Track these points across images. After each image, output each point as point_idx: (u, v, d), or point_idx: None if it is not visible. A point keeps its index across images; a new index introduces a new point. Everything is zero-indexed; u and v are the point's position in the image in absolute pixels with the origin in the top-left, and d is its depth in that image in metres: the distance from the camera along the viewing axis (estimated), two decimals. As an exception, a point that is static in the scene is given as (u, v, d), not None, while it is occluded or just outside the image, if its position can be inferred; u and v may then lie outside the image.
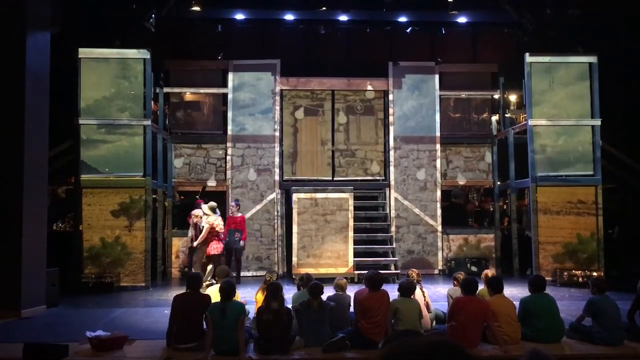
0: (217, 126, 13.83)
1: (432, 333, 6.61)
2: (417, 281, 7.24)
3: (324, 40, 13.61)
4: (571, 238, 11.76)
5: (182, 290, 7.01)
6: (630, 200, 13.30)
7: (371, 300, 6.49)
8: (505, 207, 14.60)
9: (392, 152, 13.79)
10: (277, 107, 13.70)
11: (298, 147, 13.92)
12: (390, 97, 13.91)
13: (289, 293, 8.01)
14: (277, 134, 13.66)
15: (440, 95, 14.00)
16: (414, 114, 13.94)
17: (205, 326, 6.25)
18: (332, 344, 6.22)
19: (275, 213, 13.44)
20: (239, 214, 12.08)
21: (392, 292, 6.94)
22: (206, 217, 11.10)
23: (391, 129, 13.86)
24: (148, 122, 11.67)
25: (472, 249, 13.75)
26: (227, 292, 6.26)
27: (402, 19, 12.66)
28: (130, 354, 6.26)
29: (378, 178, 13.96)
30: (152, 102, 12.58)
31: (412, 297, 6.73)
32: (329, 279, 8.41)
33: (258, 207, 13.42)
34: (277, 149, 13.63)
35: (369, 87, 14.00)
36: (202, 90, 13.85)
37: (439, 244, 13.69)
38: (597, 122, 12.04)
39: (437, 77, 13.94)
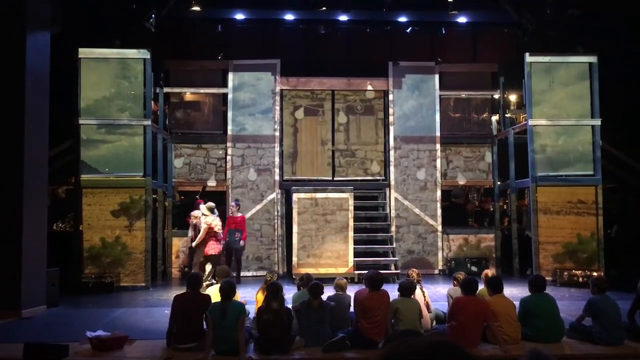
0: (217, 126, 13.83)
1: (432, 333, 6.61)
2: (417, 281, 7.24)
3: (324, 40, 13.61)
4: (571, 238, 11.76)
5: (182, 291, 7.00)
6: (631, 200, 13.30)
7: (371, 300, 6.49)
8: (505, 207, 14.60)
9: (392, 152, 13.79)
10: (277, 107, 13.70)
11: (298, 147, 13.92)
12: (390, 97, 13.91)
13: (289, 293, 8.01)
14: (277, 134, 13.66)
15: (440, 95, 14.00)
16: (414, 113, 13.94)
17: (205, 326, 6.26)
18: (332, 343, 6.22)
19: (276, 213, 13.44)
20: (239, 214, 12.08)
21: (392, 292, 6.94)
22: (204, 217, 11.12)
23: (391, 129, 13.86)
24: (148, 122, 11.67)
25: (472, 249, 13.75)
26: (227, 292, 6.27)
27: (402, 19, 12.66)
28: (130, 354, 6.26)
29: (378, 178, 13.96)
30: (152, 102, 12.58)
31: (412, 297, 6.73)
32: (329, 279, 8.42)
33: (258, 207, 13.42)
34: (277, 149, 13.63)
35: (369, 87, 14.00)
36: (202, 90, 13.85)
37: (439, 243, 13.69)
38: (597, 122, 12.04)
39: (437, 77, 13.94)
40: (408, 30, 12.94)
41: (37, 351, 5.86)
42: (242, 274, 12.04)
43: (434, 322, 7.20)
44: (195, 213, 11.56)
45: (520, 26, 12.35)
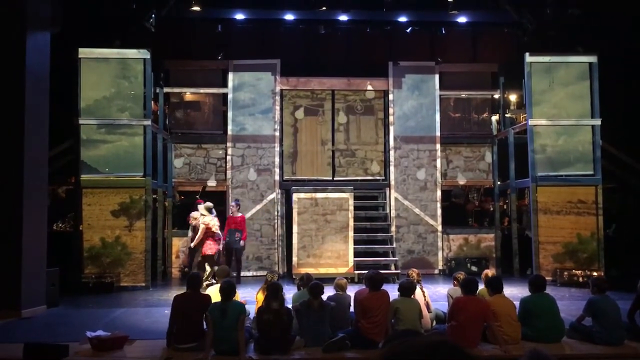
0: (217, 126, 13.83)
1: (432, 333, 6.61)
2: (417, 281, 7.24)
3: (324, 40, 13.61)
4: (571, 238, 11.76)
5: (182, 291, 7.00)
6: (631, 200, 13.29)
7: (371, 300, 6.49)
8: (505, 207, 14.60)
9: (392, 152, 13.79)
10: (277, 107, 13.70)
11: (298, 147, 13.92)
12: (390, 97, 13.91)
13: (289, 293, 8.01)
14: (277, 134, 13.66)
15: (440, 95, 14.00)
16: (414, 113, 13.94)
17: (205, 326, 6.26)
18: (332, 343, 6.22)
19: (276, 213, 13.44)
20: (239, 214, 12.08)
21: (392, 292, 6.94)
22: (202, 217, 11.14)
23: (391, 128, 13.86)
24: (148, 122, 11.67)
25: (472, 249, 13.75)
26: (227, 292, 6.27)
27: (402, 19, 12.66)
28: (130, 354, 6.26)
29: (378, 178, 13.96)
30: (152, 102, 12.58)
31: (412, 297, 6.73)
32: (329, 279, 8.42)
33: (258, 207, 13.42)
34: (277, 149, 13.63)
35: (369, 87, 14.00)
36: (202, 90, 13.85)
37: (439, 243, 13.69)
38: (597, 121, 12.04)
39: (437, 77, 13.94)
40: (408, 30, 12.95)
41: (37, 351, 5.86)
42: (242, 274, 12.04)
43: (434, 322, 7.20)
44: (194, 214, 11.58)
45: (520, 26, 12.34)
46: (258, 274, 12.73)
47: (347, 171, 13.93)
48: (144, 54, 11.66)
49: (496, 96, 14.30)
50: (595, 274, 10.69)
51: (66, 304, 9.43)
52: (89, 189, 11.30)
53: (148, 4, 11.34)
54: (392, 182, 13.75)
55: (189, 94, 13.96)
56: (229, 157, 13.57)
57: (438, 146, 13.91)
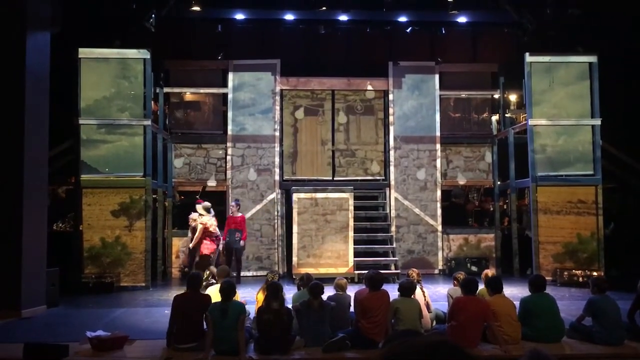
0: (217, 126, 13.83)
1: (432, 333, 6.61)
2: (417, 281, 7.24)
3: (324, 40, 13.61)
4: (571, 238, 11.76)
5: (183, 291, 7.01)
6: (631, 200, 13.29)
7: (371, 300, 6.49)
8: (505, 206, 14.59)
9: (392, 152, 13.79)
10: (277, 107, 13.70)
11: (298, 147, 13.92)
12: (390, 97, 13.91)
13: (289, 293, 8.01)
14: (277, 134, 13.66)
15: (440, 95, 13.99)
16: (414, 113, 13.94)
17: (205, 326, 6.26)
18: (332, 343, 6.22)
19: (276, 213, 13.44)
20: (239, 214, 12.08)
21: (392, 292, 6.94)
22: (200, 217, 11.14)
23: (391, 128, 13.86)
24: (148, 122, 11.67)
25: (472, 249, 13.75)
26: (227, 292, 6.27)
27: (402, 18, 12.66)
28: (130, 354, 6.26)
29: (378, 178, 13.96)
30: (152, 102, 12.57)
31: (412, 297, 6.73)
32: (329, 279, 8.42)
33: (258, 207, 13.42)
34: (277, 149, 13.63)
35: (369, 87, 14.00)
36: (202, 90, 13.85)
37: (439, 243, 13.69)
38: (597, 121, 12.04)
39: (437, 77, 13.94)
40: (408, 30, 12.94)
41: (37, 351, 5.86)
42: (242, 274, 12.04)
43: (434, 322, 7.20)
44: (193, 216, 11.57)
45: (520, 26, 12.34)
46: (258, 274, 12.73)
47: (347, 171, 13.93)
48: (144, 54, 11.66)
49: (496, 96, 14.30)
50: (595, 274, 10.70)
51: (66, 304, 9.43)
52: (89, 189, 11.29)
53: (148, 4, 11.34)
54: (392, 182, 13.74)
55: (189, 94, 13.96)
56: (229, 157, 13.57)
57: (438, 146, 13.91)
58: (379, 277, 6.82)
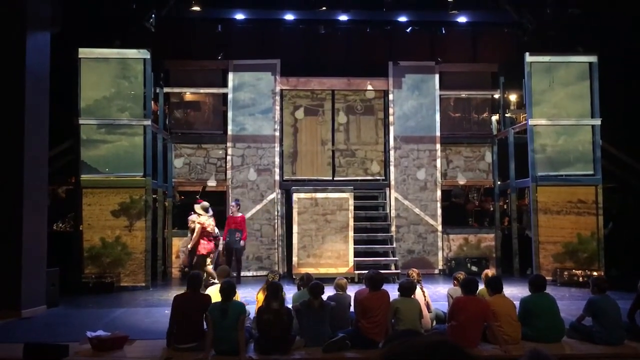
0: (217, 126, 13.83)
1: (432, 333, 6.61)
2: (417, 281, 7.24)
3: (324, 40, 13.61)
4: (571, 238, 11.76)
5: (183, 291, 7.01)
6: (631, 199, 13.29)
7: (371, 300, 6.49)
8: (505, 206, 14.60)
9: (392, 152, 13.79)
10: (277, 107, 13.70)
11: (298, 147, 13.92)
12: (390, 97, 13.91)
13: (289, 293, 8.01)
14: (277, 134, 13.66)
15: (440, 95, 13.99)
16: (414, 113, 13.94)
17: (205, 326, 6.26)
18: (332, 343, 6.22)
19: (276, 213, 13.44)
20: (239, 214, 12.07)
21: (393, 291, 6.94)
22: (198, 217, 11.13)
23: (391, 128, 13.86)
24: (148, 122, 11.67)
25: (472, 249, 13.75)
26: (228, 292, 6.27)
27: (402, 18, 12.66)
28: (130, 354, 6.26)
29: (378, 178, 13.96)
30: (152, 102, 12.58)
31: (412, 296, 6.73)
32: (329, 279, 8.41)
33: (258, 207, 13.42)
34: (277, 149, 13.63)
35: (369, 87, 14.00)
36: (202, 90, 13.85)
37: (439, 243, 13.69)
38: (597, 121, 12.04)
39: (437, 76, 13.94)
40: (408, 30, 12.95)
41: (37, 351, 5.86)
42: (242, 274, 12.03)
43: (434, 322, 7.20)
44: (193, 217, 11.53)
45: (520, 26, 12.35)
46: (258, 274, 12.73)
47: (347, 171, 13.93)
48: (144, 54, 11.66)
49: (496, 96, 14.30)
50: (595, 273, 10.69)
51: (66, 304, 9.43)
52: (89, 189, 11.30)
53: (148, 4, 11.34)
54: (392, 182, 13.74)
55: (189, 94, 13.96)
56: (229, 157, 13.57)
57: (438, 146, 13.91)
58: (379, 277, 6.82)
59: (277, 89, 13.70)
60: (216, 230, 11.36)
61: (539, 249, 11.77)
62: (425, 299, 7.17)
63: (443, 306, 7.58)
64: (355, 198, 12.40)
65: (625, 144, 12.76)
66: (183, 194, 14.16)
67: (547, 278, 8.05)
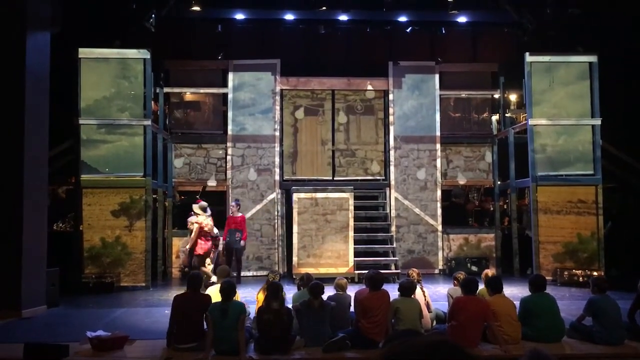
0: (217, 126, 13.83)
1: (432, 333, 6.61)
2: (417, 281, 7.24)
3: (324, 40, 13.61)
4: (571, 237, 11.76)
5: (183, 290, 7.01)
6: (631, 199, 13.29)
7: (372, 300, 6.49)
8: (505, 206, 14.59)
9: (392, 152, 13.79)
10: (277, 107, 13.70)
11: (298, 147, 13.92)
12: (391, 96, 13.90)
13: (289, 293, 8.01)
14: (277, 133, 13.66)
15: (440, 95, 13.99)
16: (414, 113, 13.94)
17: (205, 326, 6.26)
18: (332, 343, 6.22)
19: (276, 213, 13.44)
20: (239, 214, 12.07)
21: (393, 291, 6.94)
22: (196, 216, 11.14)
23: (391, 128, 13.86)
24: (148, 122, 11.67)
25: (472, 249, 13.75)
26: (228, 292, 6.27)
27: (402, 18, 12.66)
28: (130, 354, 6.26)
29: (378, 178, 13.96)
30: (152, 102, 12.57)
31: (412, 296, 6.73)
32: (329, 279, 8.42)
33: (258, 207, 13.42)
34: (277, 148, 13.63)
35: (369, 87, 14.00)
36: (202, 90, 13.85)
37: (440, 243, 13.69)
38: (597, 121, 12.04)
39: (437, 76, 13.94)
40: (408, 30, 12.95)
41: (37, 351, 5.86)
42: (242, 274, 12.03)
43: (434, 322, 7.20)
44: (192, 219, 11.55)
45: (520, 26, 12.35)
46: (258, 274, 12.73)
47: (347, 171, 13.93)
48: (144, 54, 11.66)
49: (496, 96, 14.30)
50: (595, 273, 10.70)
51: (66, 304, 9.43)
52: (89, 189, 11.29)
53: (148, 4, 11.34)
54: (392, 182, 13.74)
55: (189, 94, 13.96)
56: (229, 157, 13.57)
57: (438, 146, 13.91)
58: (379, 277, 6.82)
59: (277, 89, 13.70)
60: (215, 230, 11.37)
61: (539, 249, 11.77)
62: (425, 299, 7.17)
63: (443, 306, 7.57)
64: (356, 198, 12.40)
65: (625, 144, 12.76)
66: (183, 194, 14.16)
67: (547, 278, 8.05)
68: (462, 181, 14.15)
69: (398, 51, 13.94)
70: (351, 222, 12.06)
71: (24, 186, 8.50)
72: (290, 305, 6.69)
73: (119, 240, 11.21)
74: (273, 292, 6.39)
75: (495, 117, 14.39)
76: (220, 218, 12.41)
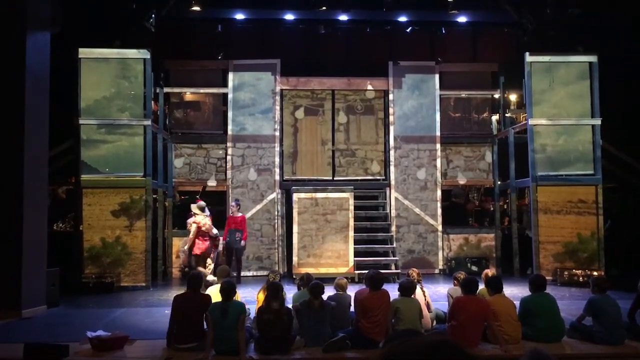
0: (217, 126, 13.83)
1: (432, 332, 6.61)
2: (417, 281, 7.24)
3: (324, 40, 13.61)
4: (572, 237, 11.76)
5: (183, 290, 7.01)
6: (631, 199, 13.29)
7: (372, 300, 6.49)
8: (505, 206, 14.59)
9: (392, 152, 13.79)
10: (277, 107, 13.70)
11: (298, 147, 13.92)
12: (391, 96, 13.90)
13: (290, 293, 8.01)
14: (277, 133, 13.66)
15: (440, 95, 13.99)
16: (414, 113, 13.94)
17: (205, 326, 6.26)
18: (332, 343, 6.22)
19: (276, 213, 13.44)
20: (239, 214, 12.07)
21: (393, 291, 6.94)
22: (194, 216, 11.14)
23: (391, 128, 13.86)
24: (148, 122, 11.67)
25: (472, 249, 13.75)
26: (228, 292, 6.27)
27: (402, 18, 12.66)
28: (130, 354, 6.26)
29: (378, 178, 13.96)
30: (152, 102, 12.57)
31: (412, 296, 6.73)
32: (329, 279, 8.42)
33: (258, 207, 13.42)
34: (277, 148, 13.63)
35: (369, 87, 14.00)
36: (202, 90, 13.85)
37: (440, 243, 13.69)
38: (597, 121, 12.04)
39: (437, 76, 13.94)
40: (408, 30, 12.95)
41: (37, 351, 5.86)
42: (242, 274, 12.04)
43: (435, 322, 7.20)
44: (191, 220, 11.54)
45: (520, 26, 12.34)
46: (258, 274, 12.73)
47: (347, 171, 13.93)
48: (144, 54, 11.66)
49: (496, 96, 14.30)
50: (595, 273, 10.70)
51: (66, 304, 9.43)
52: (89, 189, 11.29)
53: (148, 4, 11.33)
54: (392, 182, 13.74)
55: (189, 94, 13.96)
56: (229, 157, 13.57)
57: (438, 146, 13.91)
58: (380, 276, 6.82)
59: (277, 88, 13.70)
60: (214, 230, 11.36)
61: (539, 249, 11.77)
62: (425, 299, 7.17)
63: (443, 306, 7.58)
64: (356, 198, 12.40)
65: (625, 143, 12.76)
66: (183, 194, 14.16)
67: (547, 278, 8.06)
68: (462, 181, 14.15)
69: (398, 51, 13.93)
70: (351, 222, 12.06)
71: (24, 186, 8.50)
72: (290, 305, 6.69)
73: (119, 240, 11.21)
74: (273, 292, 6.39)
75: (495, 117, 14.39)
76: (220, 218, 12.42)
